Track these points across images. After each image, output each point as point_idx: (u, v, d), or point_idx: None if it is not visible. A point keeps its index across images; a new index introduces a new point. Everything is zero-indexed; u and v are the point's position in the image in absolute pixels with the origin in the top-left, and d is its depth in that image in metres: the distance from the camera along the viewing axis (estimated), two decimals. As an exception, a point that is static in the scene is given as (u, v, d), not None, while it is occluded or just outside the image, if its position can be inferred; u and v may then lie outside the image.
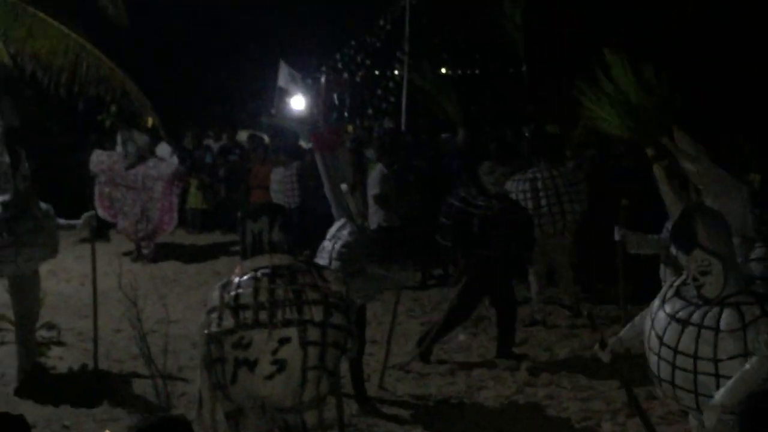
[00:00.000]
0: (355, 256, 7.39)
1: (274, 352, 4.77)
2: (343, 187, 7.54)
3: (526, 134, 11.63)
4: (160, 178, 14.77)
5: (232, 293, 4.88)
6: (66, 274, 12.98)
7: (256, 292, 4.86)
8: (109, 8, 14.85)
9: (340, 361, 5.09)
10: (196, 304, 11.52)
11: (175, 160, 15.83)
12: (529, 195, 10.26)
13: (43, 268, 9.31)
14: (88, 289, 11.80)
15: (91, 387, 8.20)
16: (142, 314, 6.90)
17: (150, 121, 18.81)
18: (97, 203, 14.62)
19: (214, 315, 4.88)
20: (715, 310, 4.62)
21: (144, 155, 15.03)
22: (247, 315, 4.80)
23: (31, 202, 8.27)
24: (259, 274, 4.95)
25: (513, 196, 10.07)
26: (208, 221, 18.09)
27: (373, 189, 12.37)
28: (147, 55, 23.33)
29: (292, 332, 4.78)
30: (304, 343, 4.79)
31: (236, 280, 4.97)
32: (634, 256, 7.80)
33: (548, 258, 10.67)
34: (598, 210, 10.39)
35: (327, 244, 7.50)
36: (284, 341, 4.77)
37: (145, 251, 14.91)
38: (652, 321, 4.88)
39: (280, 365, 4.77)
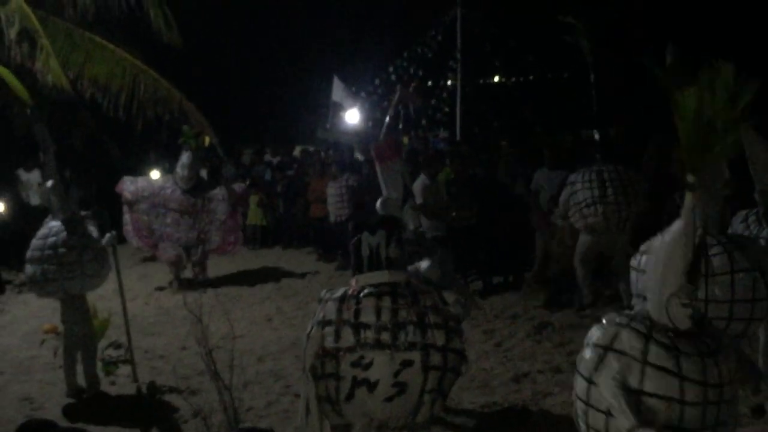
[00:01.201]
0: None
1: (396, 374, 4.65)
2: (379, 201, 7.44)
3: (596, 137, 11.66)
4: (224, 199, 14.05)
5: (352, 309, 4.79)
6: (131, 294, 13.12)
7: (378, 311, 4.75)
8: (162, 30, 15.07)
9: (453, 384, 4.99)
10: (260, 319, 11.66)
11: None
12: (595, 184, 10.41)
13: (108, 288, 9.50)
14: (152, 308, 12.07)
15: (156, 404, 8.35)
16: (207, 330, 6.94)
17: (208, 140, 19.03)
18: (131, 233, 13.86)
19: (330, 329, 4.73)
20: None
21: (201, 176, 14.17)
22: (369, 334, 4.68)
23: (87, 222, 8.54)
24: (380, 291, 4.85)
25: (579, 185, 10.43)
26: (268, 237, 18.23)
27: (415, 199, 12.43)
28: (202, 75, 23.55)
29: (416, 356, 4.65)
30: (427, 368, 4.69)
31: (356, 295, 4.86)
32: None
33: (599, 251, 10.86)
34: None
35: None
36: (407, 364, 4.65)
37: (200, 277, 14.13)
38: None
39: (401, 388, 4.66)
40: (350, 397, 4.69)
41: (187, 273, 14.26)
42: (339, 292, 4.89)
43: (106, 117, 15.52)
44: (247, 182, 17.55)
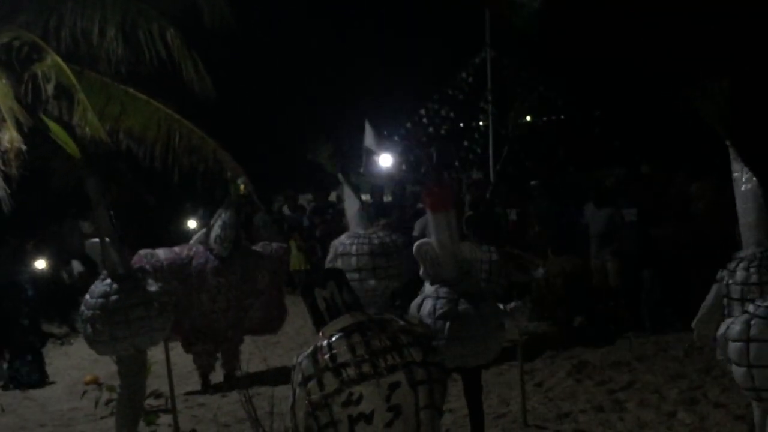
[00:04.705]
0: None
1: (388, 398, 4.74)
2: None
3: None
4: (264, 265, 11.76)
5: (327, 356, 4.85)
6: (170, 342, 13.18)
7: (352, 348, 4.79)
8: (194, 80, 15.26)
9: (445, 398, 5.05)
10: (299, 364, 11.62)
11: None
12: None
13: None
14: (191, 356, 12.08)
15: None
16: (246, 377, 6.96)
17: (242, 188, 19.15)
18: None
19: (313, 383, 4.82)
20: None
21: (238, 239, 11.80)
22: (350, 372, 4.76)
23: (144, 276, 8.48)
24: (348, 332, 4.93)
25: None
26: (305, 281, 18.33)
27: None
28: (236, 122, 23.76)
29: (400, 376, 4.74)
30: (414, 383, 4.77)
31: (325, 343, 4.92)
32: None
33: None
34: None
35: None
36: (394, 386, 4.73)
37: (229, 371, 11.41)
38: None
39: (397, 410, 4.75)
40: None
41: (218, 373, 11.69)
42: (310, 349, 4.95)
43: (142, 168, 15.68)
44: (285, 227, 17.64)
